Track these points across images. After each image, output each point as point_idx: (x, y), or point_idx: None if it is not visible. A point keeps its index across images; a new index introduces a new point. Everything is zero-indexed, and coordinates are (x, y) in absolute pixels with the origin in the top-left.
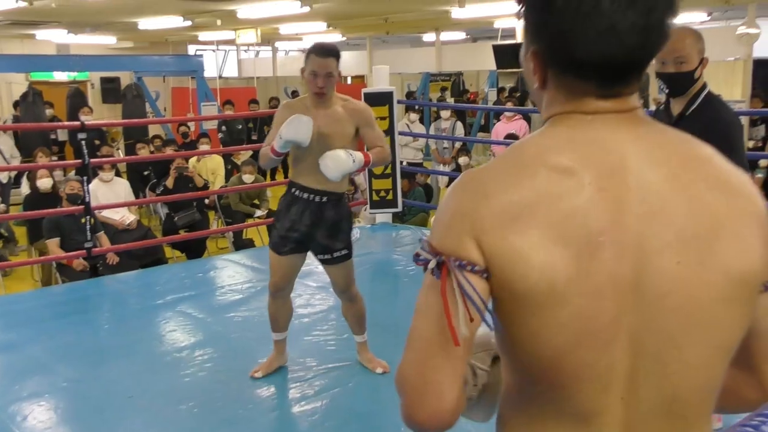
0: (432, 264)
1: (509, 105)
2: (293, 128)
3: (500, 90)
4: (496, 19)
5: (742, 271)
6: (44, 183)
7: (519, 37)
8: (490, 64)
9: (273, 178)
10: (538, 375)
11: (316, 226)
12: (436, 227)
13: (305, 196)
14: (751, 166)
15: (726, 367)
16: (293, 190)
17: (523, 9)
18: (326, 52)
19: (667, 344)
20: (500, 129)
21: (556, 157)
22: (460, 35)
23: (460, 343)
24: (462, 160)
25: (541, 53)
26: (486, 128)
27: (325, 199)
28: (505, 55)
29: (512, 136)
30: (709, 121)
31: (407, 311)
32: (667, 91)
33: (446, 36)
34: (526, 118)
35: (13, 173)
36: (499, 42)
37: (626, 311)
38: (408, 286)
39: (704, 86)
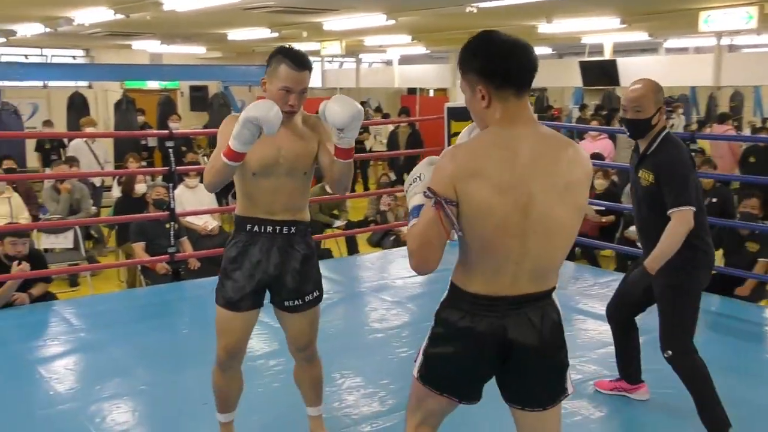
0: (432, 201)
1: (594, 123)
2: (260, 108)
3: (583, 107)
4: (583, 35)
5: (579, 205)
6: (141, 188)
7: (607, 54)
8: (576, 80)
9: (352, 189)
10: (477, 248)
11: (285, 265)
12: (434, 177)
13: (269, 230)
14: None
15: (569, 248)
16: (249, 227)
17: (466, 70)
18: (303, 64)
19: (540, 239)
20: (585, 148)
21: (491, 144)
22: (546, 50)
23: (448, 237)
24: None
25: (485, 84)
26: None
27: (293, 230)
28: (592, 72)
29: (597, 156)
30: (661, 161)
31: None
32: (627, 133)
33: None
34: (612, 137)
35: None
36: (587, 58)
37: (522, 220)
38: None
39: (663, 129)
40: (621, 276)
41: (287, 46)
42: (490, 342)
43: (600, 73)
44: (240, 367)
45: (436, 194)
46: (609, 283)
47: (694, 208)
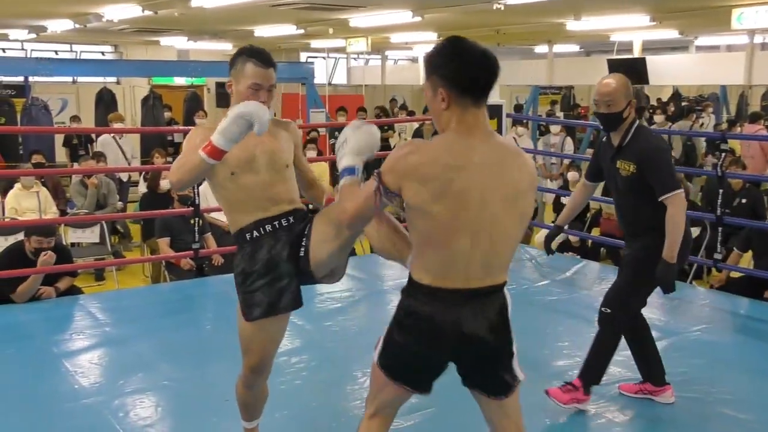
0: (374, 186)
1: None
2: (252, 105)
3: None
4: (612, 33)
5: (525, 211)
6: (166, 184)
7: (636, 52)
8: None
9: None
10: (425, 246)
11: (294, 242)
12: (386, 166)
13: (268, 228)
14: None
15: (514, 251)
16: (248, 236)
17: (431, 72)
18: (268, 61)
19: (487, 242)
20: None
21: (445, 151)
22: (573, 48)
23: (379, 207)
24: (571, 175)
25: (447, 89)
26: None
27: (292, 219)
28: (621, 70)
29: None
30: (639, 150)
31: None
32: (601, 127)
33: (558, 48)
34: None
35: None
36: (615, 56)
37: (472, 224)
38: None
39: (634, 121)
40: None
41: (248, 45)
42: (445, 331)
43: (628, 72)
44: (266, 381)
45: (381, 181)
46: None
47: (682, 190)
